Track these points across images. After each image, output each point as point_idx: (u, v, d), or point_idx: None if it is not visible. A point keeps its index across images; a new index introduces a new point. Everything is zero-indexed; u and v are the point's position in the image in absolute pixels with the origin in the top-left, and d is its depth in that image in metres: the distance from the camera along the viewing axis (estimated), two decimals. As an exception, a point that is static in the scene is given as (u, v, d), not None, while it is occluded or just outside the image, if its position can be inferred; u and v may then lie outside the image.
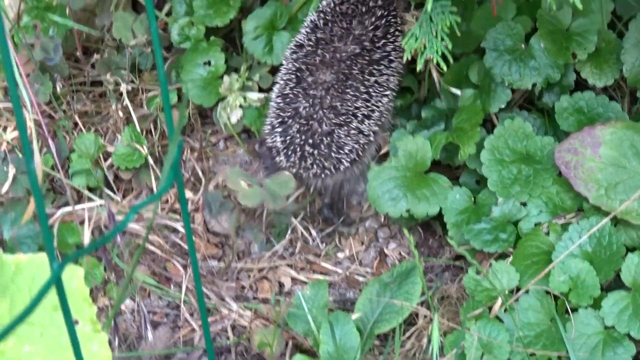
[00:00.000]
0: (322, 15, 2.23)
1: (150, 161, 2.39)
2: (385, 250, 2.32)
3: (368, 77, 2.17)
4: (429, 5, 1.84)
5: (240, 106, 2.38)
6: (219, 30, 2.45)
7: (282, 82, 2.21)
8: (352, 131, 2.15)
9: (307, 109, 2.15)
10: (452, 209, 2.14)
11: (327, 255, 2.32)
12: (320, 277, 2.27)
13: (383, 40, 2.20)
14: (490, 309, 2.00)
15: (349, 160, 2.17)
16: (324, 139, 2.14)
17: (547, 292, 1.96)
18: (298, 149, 2.16)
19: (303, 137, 2.15)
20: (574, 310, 1.94)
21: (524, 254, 2.04)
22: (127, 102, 2.41)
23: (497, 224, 2.09)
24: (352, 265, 2.30)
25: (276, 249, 2.32)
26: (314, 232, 2.34)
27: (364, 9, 2.23)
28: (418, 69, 2.00)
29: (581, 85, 2.22)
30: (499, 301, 1.97)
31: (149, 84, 2.51)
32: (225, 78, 2.37)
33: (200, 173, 2.43)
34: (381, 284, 2.11)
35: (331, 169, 2.17)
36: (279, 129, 2.18)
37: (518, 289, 2.00)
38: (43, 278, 1.25)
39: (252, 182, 2.14)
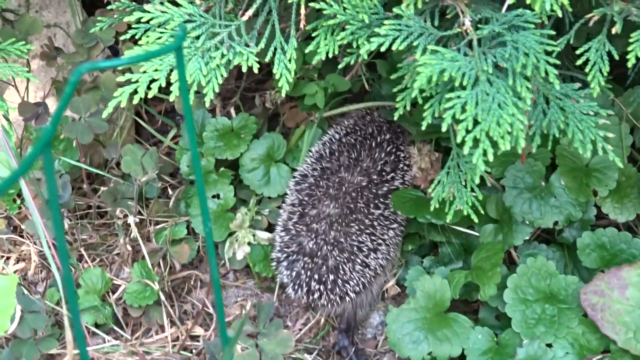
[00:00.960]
0: (327, 144, 2.23)
1: (162, 297, 2.33)
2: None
3: (373, 211, 2.16)
4: (458, 151, 1.81)
5: (249, 243, 2.33)
6: (226, 160, 2.41)
7: (285, 215, 2.22)
8: (358, 266, 2.14)
9: (312, 245, 2.14)
10: (474, 350, 2.09)
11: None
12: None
13: (391, 174, 2.20)
14: None
15: (354, 292, 2.15)
16: (330, 275, 2.13)
17: None
18: (304, 285, 2.14)
19: (308, 274, 2.13)
20: None
21: (552, 400, 1.98)
22: (135, 234, 2.35)
23: (523, 366, 2.04)
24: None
25: (292, 391, 2.25)
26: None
27: (372, 143, 2.21)
28: (448, 220, 1.96)
29: (602, 217, 2.19)
30: None
31: (157, 215, 2.46)
32: (238, 215, 2.32)
33: (210, 308, 2.36)
34: None
35: (337, 301, 2.15)
36: (284, 264, 2.18)
37: None
38: None
39: (247, 343, 2.07)
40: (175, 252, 2.36)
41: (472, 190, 1.92)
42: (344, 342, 2.29)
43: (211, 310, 2.36)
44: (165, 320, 2.33)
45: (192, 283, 2.42)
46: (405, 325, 2.12)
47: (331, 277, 2.13)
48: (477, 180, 1.79)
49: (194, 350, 2.29)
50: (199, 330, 2.32)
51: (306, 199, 2.18)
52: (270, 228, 2.37)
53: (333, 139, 2.26)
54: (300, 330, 2.31)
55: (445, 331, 2.11)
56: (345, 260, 2.12)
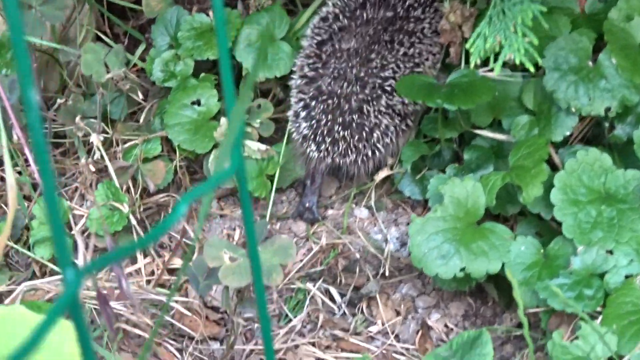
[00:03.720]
0: None
1: (133, 222, 1.93)
2: (429, 322, 1.87)
3: (398, 47, 1.91)
4: None
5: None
6: (209, 70, 2.05)
7: (300, 62, 1.97)
8: (383, 108, 1.89)
9: (330, 85, 1.90)
10: (517, 264, 1.72)
11: (357, 329, 1.86)
12: (352, 356, 1.81)
13: (420, 13, 1.94)
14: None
15: (383, 144, 1.92)
16: (354, 117, 1.89)
17: (659, 360, 1.53)
18: (326, 133, 1.90)
19: (330, 117, 1.89)
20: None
21: (618, 314, 1.61)
22: (102, 152, 1.95)
23: (580, 278, 1.66)
24: (388, 340, 1.85)
25: (294, 324, 1.86)
26: (338, 299, 1.89)
27: None
28: (496, 73, 1.58)
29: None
30: (597, 373, 1.53)
31: (125, 135, 2.07)
32: (223, 120, 1.94)
33: (192, 236, 1.98)
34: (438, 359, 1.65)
35: (368, 154, 1.91)
36: (303, 114, 1.92)
37: (620, 357, 1.56)
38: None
39: (237, 253, 1.65)
40: (148, 171, 1.97)
41: (524, 35, 1.56)
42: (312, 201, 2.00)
43: (191, 242, 1.97)
44: (138, 251, 1.93)
45: (169, 210, 2.03)
46: (433, 237, 1.75)
47: (356, 119, 1.89)
48: (530, 22, 1.45)
49: (172, 286, 1.90)
50: (178, 263, 1.93)
51: (325, 37, 1.93)
52: (262, 142, 2.00)
53: None
54: (301, 261, 1.93)
55: (480, 243, 1.74)
56: (367, 99, 1.89)
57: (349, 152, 1.90)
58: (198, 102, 1.98)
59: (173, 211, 0.58)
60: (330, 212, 2.04)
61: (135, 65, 2.18)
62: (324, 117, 1.90)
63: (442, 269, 1.73)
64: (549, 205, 1.73)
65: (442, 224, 1.76)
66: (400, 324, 1.87)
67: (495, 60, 1.57)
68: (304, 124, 1.92)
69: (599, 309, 1.65)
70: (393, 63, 1.90)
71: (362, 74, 1.89)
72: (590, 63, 1.78)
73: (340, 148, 1.90)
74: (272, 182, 1.98)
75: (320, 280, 1.90)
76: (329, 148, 1.91)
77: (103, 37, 2.17)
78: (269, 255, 1.62)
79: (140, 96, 2.08)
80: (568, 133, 1.80)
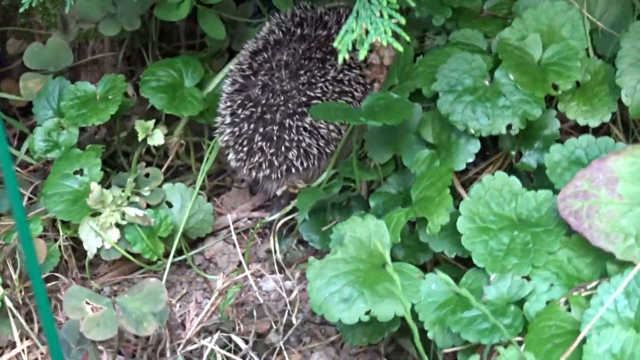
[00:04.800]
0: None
1: (9, 304, 1.75)
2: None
3: (328, 68, 1.86)
4: None
5: (117, 225, 1.80)
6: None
7: (233, 68, 1.95)
8: (307, 126, 1.83)
9: (258, 94, 1.86)
10: (429, 304, 1.55)
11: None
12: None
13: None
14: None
15: (301, 164, 1.85)
16: (275, 129, 1.83)
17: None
18: (246, 143, 1.85)
19: (252, 126, 1.84)
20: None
21: (541, 338, 1.43)
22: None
23: (495, 307, 1.49)
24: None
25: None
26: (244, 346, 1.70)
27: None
28: (361, 57, 1.46)
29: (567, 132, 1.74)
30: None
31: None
32: (94, 185, 1.80)
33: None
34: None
35: (282, 170, 1.84)
36: (228, 120, 1.88)
37: (544, 382, 1.38)
38: None
39: (101, 303, 1.46)
40: (27, 249, 1.79)
41: (391, 17, 1.45)
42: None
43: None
44: (17, 337, 1.74)
45: (58, 295, 1.85)
46: (333, 281, 1.57)
47: (277, 132, 1.84)
48: (396, 4, 1.36)
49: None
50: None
51: (260, 47, 1.92)
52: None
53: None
54: (197, 315, 1.75)
55: (386, 284, 1.56)
56: (292, 113, 1.83)
57: (263, 166, 1.83)
58: (81, 172, 1.85)
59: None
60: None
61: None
62: (246, 125, 1.85)
63: (345, 313, 1.54)
64: (455, 242, 1.59)
65: (343, 266, 1.59)
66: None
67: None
68: (227, 130, 1.87)
69: (519, 338, 1.47)
70: (322, 83, 1.84)
71: (289, 87, 1.85)
72: (486, 82, 1.68)
73: (255, 159, 1.85)
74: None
75: (217, 333, 1.71)
76: (246, 158, 1.85)
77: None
78: (138, 304, 1.44)
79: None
80: (470, 160, 1.68)
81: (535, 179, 1.71)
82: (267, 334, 1.74)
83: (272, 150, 1.83)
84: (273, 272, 1.88)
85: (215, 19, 2.03)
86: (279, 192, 1.88)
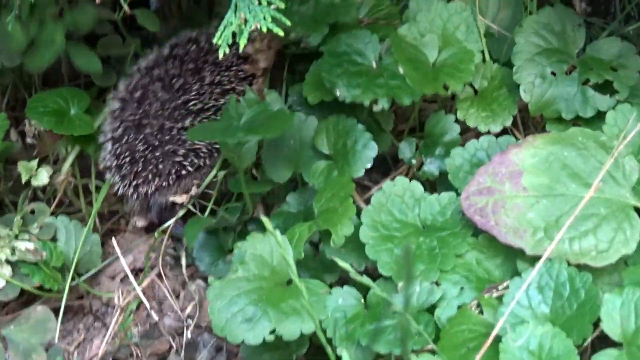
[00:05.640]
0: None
1: None
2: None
3: (203, 74, 1.85)
4: None
5: (7, 262, 1.70)
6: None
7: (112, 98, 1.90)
8: (188, 125, 1.80)
9: (134, 107, 1.83)
10: (336, 320, 1.47)
11: None
12: None
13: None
14: None
15: (192, 166, 1.80)
16: (155, 134, 1.80)
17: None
18: (128, 154, 1.80)
19: (131, 136, 1.81)
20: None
21: (455, 343, 1.37)
22: None
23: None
24: None
25: None
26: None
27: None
28: (241, 49, 1.40)
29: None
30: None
31: None
32: None
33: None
34: None
35: (172, 176, 1.80)
36: (109, 137, 1.84)
37: (461, 386, 1.31)
38: None
39: None
40: None
41: (270, 4, 1.39)
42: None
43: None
44: None
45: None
46: (235, 301, 1.49)
47: (157, 136, 1.80)
48: None
49: None
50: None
51: (142, 65, 1.89)
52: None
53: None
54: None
55: (291, 302, 1.48)
56: (169, 116, 1.81)
57: (150, 176, 1.78)
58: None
59: None
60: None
61: None
62: (125, 137, 1.81)
63: (249, 334, 1.46)
64: (362, 255, 1.53)
65: (245, 285, 1.51)
66: None
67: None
68: (108, 148, 1.84)
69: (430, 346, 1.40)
70: (197, 86, 1.83)
71: (163, 95, 1.82)
72: (374, 64, 1.64)
73: (140, 170, 1.79)
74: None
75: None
76: (131, 173, 1.79)
77: None
78: (26, 334, 1.33)
79: None
80: (369, 165, 1.62)
81: (439, 187, 1.66)
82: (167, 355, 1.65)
83: (157, 154, 1.77)
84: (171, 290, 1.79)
85: (88, 52, 1.95)
86: (178, 200, 1.80)
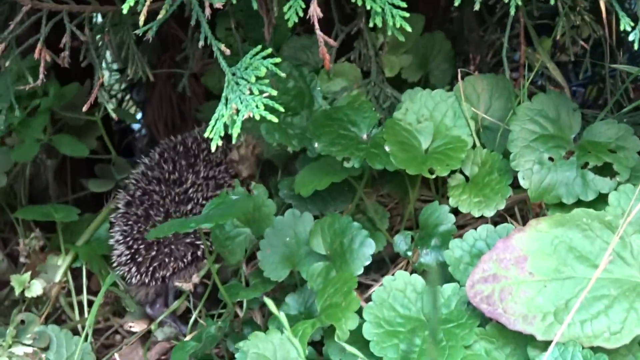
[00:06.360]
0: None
1: None
2: None
3: (198, 169, 1.90)
4: (228, 73, 1.33)
5: (4, 369, 1.66)
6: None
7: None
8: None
9: (138, 204, 1.88)
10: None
11: None
12: None
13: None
14: None
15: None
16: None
17: None
18: (141, 242, 1.83)
19: (139, 227, 1.84)
20: None
21: None
22: None
23: (417, 411, 1.37)
24: None
25: None
26: None
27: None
28: (233, 141, 1.38)
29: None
30: None
31: None
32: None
33: None
34: None
35: (187, 259, 1.81)
36: (120, 239, 1.86)
37: None
38: None
39: None
40: None
41: (262, 92, 1.38)
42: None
43: None
44: None
45: None
46: (236, 408, 1.44)
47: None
48: (263, 73, 1.31)
49: None
50: None
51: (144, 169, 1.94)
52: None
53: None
54: None
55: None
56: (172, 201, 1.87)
57: (166, 260, 1.81)
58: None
59: None
60: None
61: None
62: (136, 228, 1.85)
63: None
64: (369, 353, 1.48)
65: (247, 390, 1.45)
66: None
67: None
68: (121, 245, 1.85)
69: None
70: (192, 178, 1.88)
71: (163, 190, 1.88)
72: (365, 136, 1.71)
73: (154, 254, 1.82)
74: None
75: None
76: (143, 257, 1.82)
77: None
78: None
79: None
80: (368, 262, 1.61)
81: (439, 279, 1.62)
82: None
83: (167, 241, 1.81)
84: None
85: (71, 139, 1.99)
86: (185, 287, 1.78)
